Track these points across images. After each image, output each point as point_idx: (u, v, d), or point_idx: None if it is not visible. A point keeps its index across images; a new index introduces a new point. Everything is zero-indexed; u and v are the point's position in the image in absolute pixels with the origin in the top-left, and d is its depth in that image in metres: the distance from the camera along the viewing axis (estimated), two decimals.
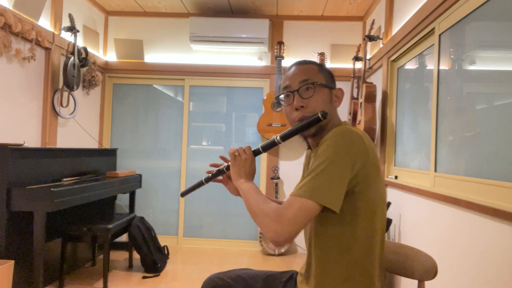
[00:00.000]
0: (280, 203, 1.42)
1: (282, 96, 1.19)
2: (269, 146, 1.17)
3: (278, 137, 1.13)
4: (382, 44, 3.02)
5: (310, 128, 1.11)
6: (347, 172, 0.99)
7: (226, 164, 1.27)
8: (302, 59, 1.28)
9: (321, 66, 1.19)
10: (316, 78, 1.14)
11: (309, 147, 1.26)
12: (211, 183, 1.36)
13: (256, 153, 1.19)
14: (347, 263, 1.06)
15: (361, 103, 2.98)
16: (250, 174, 1.18)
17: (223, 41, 3.74)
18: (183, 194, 1.41)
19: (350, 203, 1.02)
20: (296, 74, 1.16)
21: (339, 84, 1.21)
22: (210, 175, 1.31)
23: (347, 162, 0.99)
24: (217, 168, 1.30)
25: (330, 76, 1.19)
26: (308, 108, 1.13)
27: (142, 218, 3.24)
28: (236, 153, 1.19)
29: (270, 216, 0.99)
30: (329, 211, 0.98)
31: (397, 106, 2.83)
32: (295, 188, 1.02)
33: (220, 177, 1.32)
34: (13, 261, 2.16)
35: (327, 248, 1.08)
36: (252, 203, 1.07)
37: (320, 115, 1.06)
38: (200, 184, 1.34)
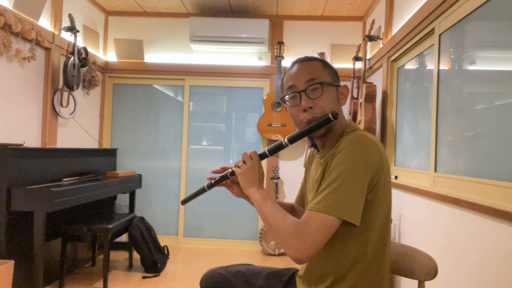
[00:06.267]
0: (285, 205, 1.40)
1: (287, 97, 1.13)
2: (276, 149, 1.12)
3: (286, 140, 1.09)
4: (382, 44, 3.02)
5: (320, 129, 1.07)
6: (365, 183, 0.96)
7: (231, 169, 1.21)
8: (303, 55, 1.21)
9: (325, 62, 1.14)
10: (323, 76, 1.09)
11: (312, 145, 1.23)
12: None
13: (263, 157, 1.14)
14: (355, 271, 1.03)
15: (361, 103, 2.98)
16: (260, 180, 1.13)
17: (223, 41, 3.74)
18: (184, 202, 1.35)
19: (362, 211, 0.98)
20: (301, 73, 1.10)
21: None
22: (212, 181, 1.25)
23: (365, 173, 0.96)
24: (220, 174, 1.24)
25: (335, 73, 1.14)
26: (317, 108, 1.07)
27: (142, 218, 3.24)
28: (240, 164, 1.14)
29: (290, 234, 0.95)
30: (343, 224, 0.95)
31: (397, 106, 2.83)
32: (312, 202, 0.98)
33: (223, 182, 1.26)
34: (13, 261, 2.16)
35: (334, 259, 1.05)
36: (268, 216, 1.03)
37: (330, 116, 1.01)
38: (202, 191, 1.29)
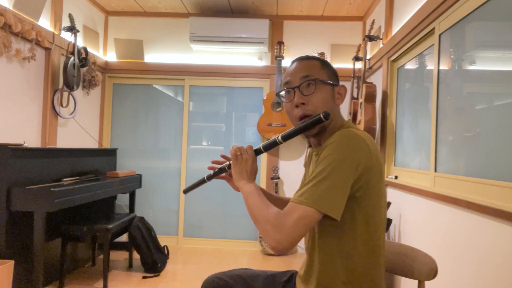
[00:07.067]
0: (284, 200, 1.42)
1: (282, 93, 1.16)
2: (270, 146, 1.15)
3: (279, 137, 1.11)
4: (382, 44, 3.02)
5: (312, 128, 1.08)
6: (349, 179, 0.97)
7: (228, 162, 1.25)
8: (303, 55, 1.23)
9: (324, 62, 1.15)
10: (318, 74, 1.11)
11: (310, 145, 1.25)
12: (212, 181, 1.36)
13: (258, 152, 1.17)
14: (348, 268, 1.04)
15: (361, 103, 2.98)
16: (252, 174, 1.15)
17: (223, 41, 3.74)
18: (186, 191, 1.39)
19: (350, 208, 1.00)
20: (297, 70, 1.12)
21: None
22: (212, 172, 1.29)
23: (350, 169, 0.97)
24: (219, 166, 1.29)
25: (333, 73, 1.15)
26: (309, 105, 1.09)
27: (142, 218, 3.24)
28: (238, 153, 1.17)
29: (271, 223, 0.97)
30: (329, 218, 0.96)
31: (397, 106, 2.83)
32: (295, 194, 1.00)
33: (222, 174, 1.30)
34: (13, 261, 2.16)
35: (328, 254, 1.07)
36: (253, 207, 1.05)
37: (322, 116, 1.02)
38: (202, 182, 1.34)
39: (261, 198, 1.07)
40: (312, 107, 1.09)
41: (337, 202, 0.96)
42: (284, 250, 0.96)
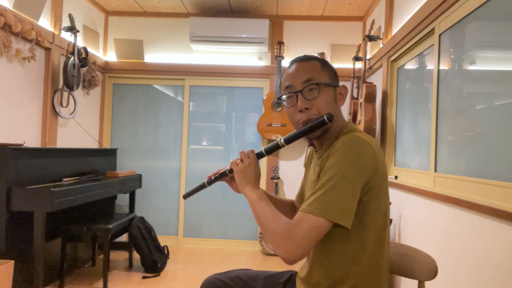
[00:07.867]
0: (285, 202, 1.41)
1: (284, 97, 1.13)
2: (273, 149, 1.13)
3: (282, 140, 1.09)
4: (382, 44, 3.02)
5: (316, 131, 1.06)
6: (358, 186, 0.96)
7: (229, 167, 1.22)
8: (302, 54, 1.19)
9: (324, 62, 1.13)
10: (320, 77, 1.08)
11: (311, 144, 1.24)
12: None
13: (260, 156, 1.15)
14: (354, 273, 1.03)
15: (361, 103, 2.98)
16: (256, 179, 1.13)
17: (223, 41, 3.74)
18: (186, 196, 1.38)
19: (357, 213, 0.98)
20: (298, 73, 1.09)
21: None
22: (212, 177, 1.27)
23: (358, 176, 0.96)
24: (220, 171, 1.26)
25: (333, 73, 1.13)
26: (313, 110, 1.07)
27: (142, 218, 3.24)
28: (238, 161, 1.15)
29: (281, 234, 0.96)
30: (338, 226, 0.95)
31: (397, 106, 2.83)
32: (304, 203, 0.98)
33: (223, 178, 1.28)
34: (13, 261, 2.16)
35: (332, 259, 1.06)
36: (261, 216, 1.04)
37: (326, 118, 1.01)
38: (202, 187, 1.32)
39: (269, 206, 1.05)
40: (316, 112, 1.07)
41: (347, 210, 0.95)
42: (295, 260, 0.94)
